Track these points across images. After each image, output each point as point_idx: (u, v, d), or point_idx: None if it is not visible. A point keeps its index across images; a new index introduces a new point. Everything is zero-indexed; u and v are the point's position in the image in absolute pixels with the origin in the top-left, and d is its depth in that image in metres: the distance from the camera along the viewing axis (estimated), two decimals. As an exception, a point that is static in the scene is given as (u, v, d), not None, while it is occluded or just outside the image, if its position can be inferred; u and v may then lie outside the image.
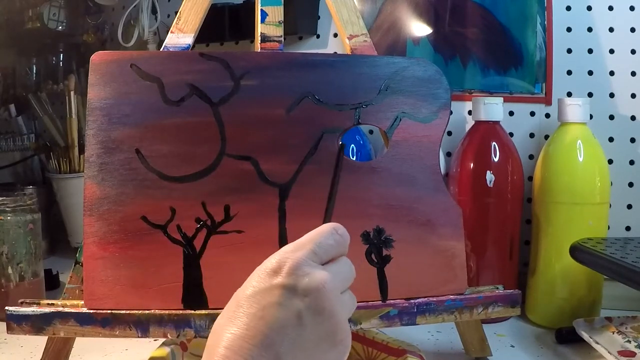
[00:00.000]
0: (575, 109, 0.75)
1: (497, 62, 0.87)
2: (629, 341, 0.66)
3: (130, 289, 0.54)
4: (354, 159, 0.83)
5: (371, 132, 0.91)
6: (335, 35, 0.95)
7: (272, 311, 0.35)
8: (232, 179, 0.57)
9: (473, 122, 0.80)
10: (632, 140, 0.83)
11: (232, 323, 0.35)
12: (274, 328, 0.34)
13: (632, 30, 0.83)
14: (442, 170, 0.73)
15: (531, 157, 0.86)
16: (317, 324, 0.35)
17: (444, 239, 0.60)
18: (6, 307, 0.54)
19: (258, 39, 0.61)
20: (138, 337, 0.54)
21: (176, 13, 0.65)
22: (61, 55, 1.25)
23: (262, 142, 0.58)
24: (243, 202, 0.56)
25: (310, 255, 0.37)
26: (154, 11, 1.06)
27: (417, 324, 0.58)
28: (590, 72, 0.84)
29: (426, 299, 0.58)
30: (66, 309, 0.54)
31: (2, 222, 0.76)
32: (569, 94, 0.85)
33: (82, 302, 0.55)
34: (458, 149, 0.81)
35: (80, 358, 0.66)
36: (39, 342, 0.62)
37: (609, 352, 0.62)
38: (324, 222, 0.42)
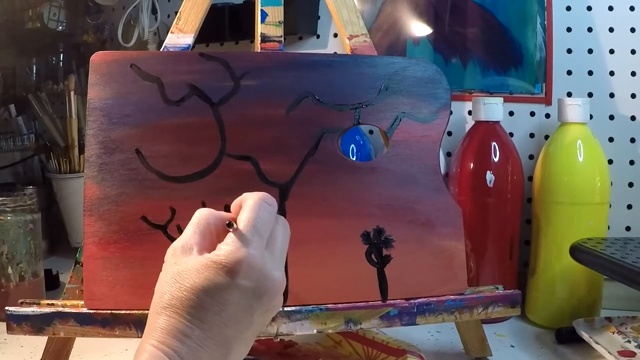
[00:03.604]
0: (575, 109, 0.75)
1: (497, 62, 0.87)
2: (629, 341, 0.66)
3: (130, 289, 0.54)
4: (354, 159, 0.83)
5: (371, 132, 0.91)
6: (335, 35, 0.95)
7: (232, 314, 0.38)
8: (232, 179, 0.57)
9: (473, 122, 0.80)
10: (632, 140, 0.83)
11: (194, 332, 0.37)
12: (234, 330, 0.38)
13: (632, 30, 0.83)
14: (442, 170, 0.73)
15: (531, 157, 0.86)
16: (266, 310, 0.40)
17: (444, 239, 0.60)
18: (6, 307, 0.54)
19: (258, 39, 0.61)
20: (138, 337, 0.54)
21: (176, 13, 0.65)
22: (61, 55, 1.25)
23: (262, 142, 0.58)
24: (243, 202, 0.56)
25: (255, 248, 0.40)
26: (154, 11, 1.06)
27: (417, 324, 0.58)
28: (590, 72, 0.84)
29: (426, 299, 0.58)
30: (66, 309, 0.54)
31: (2, 222, 0.76)
32: (569, 94, 0.85)
33: (82, 302, 0.55)
34: (458, 149, 0.81)
35: (80, 358, 0.66)
36: (39, 342, 0.62)
37: (609, 352, 0.62)
38: None
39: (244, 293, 0.38)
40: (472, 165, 0.78)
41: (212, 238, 0.42)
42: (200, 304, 0.37)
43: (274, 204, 0.43)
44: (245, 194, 0.44)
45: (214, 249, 0.40)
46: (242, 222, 0.40)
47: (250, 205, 0.42)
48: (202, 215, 0.43)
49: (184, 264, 0.39)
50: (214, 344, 0.37)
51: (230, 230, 0.40)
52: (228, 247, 0.39)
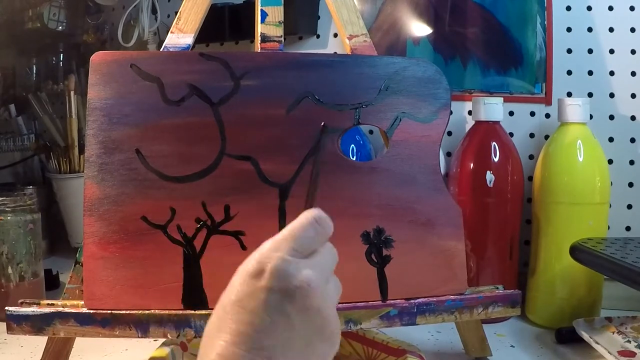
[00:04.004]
0: (575, 109, 0.75)
1: (497, 62, 0.87)
2: (629, 341, 0.66)
3: (130, 289, 0.54)
4: (354, 159, 0.83)
5: (371, 132, 0.91)
6: (335, 35, 0.95)
7: (259, 315, 0.34)
8: (232, 179, 0.57)
9: (473, 122, 0.80)
10: (632, 140, 0.83)
11: (221, 331, 0.35)
12: (263, 331, 0.34)
13: (632, 30, 0.83)
14: (442, 170, 0.73)
15: (531, 157, 0.86)
16: (305, 322, 0.35)
17: (444, 239, 0.60)
18: (6, 307, 0.54)
19: (258, 39, 0.61)
20: (138, 337, 0.54)
21: (176, 13, 0.65)
22: (61, 55, 1.25)
23: (262, 142, 0.58)
24: (243, 202, 0.56)
25: (291, 253, 0.36)
26: (154, 11, 1.06)
27: (417, 324, 0.58)
28: (590, 72, 0.84)
29: (426, 299, 0.58)
30: (66, 309, 0.54)
31: (2, 222, 0.76)
32: (569, 94, 0.85)
33: (82, 302, 0.55)
34: (458, 149, 0.81)
35: (80, 358, 0.66)
36: (39, 342, 0.62)
37: (609, 352, 0.62)
38: (306, 207, 0.41)
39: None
40: (472, 165, 0.78)
41: None
42: None
43: (326, 222, 0.40)
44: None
45: None
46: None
47: (297, 219, 0.39)
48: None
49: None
50: None
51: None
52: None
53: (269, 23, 0.62)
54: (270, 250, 0.36)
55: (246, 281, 0.36)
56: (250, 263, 0.36)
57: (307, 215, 0.39)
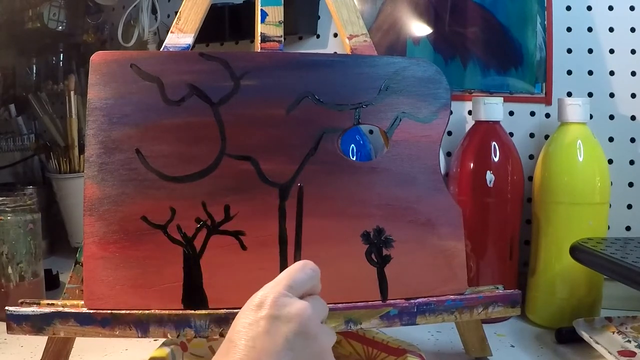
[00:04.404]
0: (575, 108, 0.75)
1: (497, 62, 0.87)
2: (629, 341, 0.66)
3: (130, 289, 0.54)
4: (354, 159, 0.83)
5: (371, 132, 0.91)
6: (335, 35, 0.95)
7: (261, 340, 0.39)
8: (232, 179, 0.57)
9: (473, 122, 0.80)
10: (632, 140, 0.83)
11: (228, 358, 0.39)
12: (266, 354, 0.38)
13: (632, 30, 0.83)
14: (442, 170, 0.73)
15: (531, 157, 0.86)
16: (305, 347, 0.40)
17: (444, 239, 0.60)
18: (6, 307, 0.54)
19: (258, 39, 0.61)
20: (138, 337, 0.54)
21: (176, 13, 0.65)
22: (61, 55, 1.25)
23: (262, 142, 0.58)
24: (243, 202, 0.56)
25: (287, 288, 0.42)
26: (154, 11, 1.06)
27: (417, 324, 0.58)
28: (590, 72, 0.84)
29: (426, 299, 0.58)
30: (66, 309, 0.54)
31: (2, 222, 0.76)
32: (569, 94, 0.85)
33: (82, 302, 0.55)
34: (458, 149, 0.81)
35: (80, 358, 0.66)
36: (39, 342, 0.62)
37: (609, 352, 0.62)
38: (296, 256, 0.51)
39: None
40: (472, 165, 0.78)
41: None
42: None
43: (316, 269, 0.45)
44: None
45: None
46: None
47: (290, 267, 0.45)
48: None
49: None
50: None
51: None
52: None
53: (269, 23, 0.62)
54: (269, 287, 0.42)
55: (250, 313, 0.41)
56: (253, 298, 0.42)
57: (299, 263, 0.45)
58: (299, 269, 0.44)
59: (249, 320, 0.40)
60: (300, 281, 0.43)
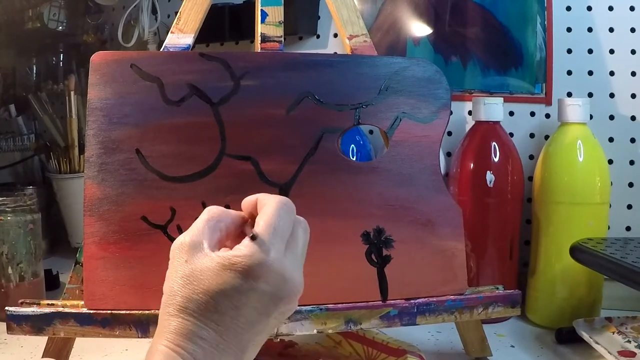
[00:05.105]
0: (575, 109, 0.75)
1: (497, 62, 0.87)
2: (629, 341, 0.66)
3: (130, 289, 0.54)
4: (354, 159, 0.83)
5: (371, 132, 0.91)
6: (335, 35, 0.95)
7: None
8: (232, 179, 0.57)
9: (473, 122, 0.80)
10: (632, 140, 0.83)
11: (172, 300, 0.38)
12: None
13: (632, 30, 0.83)
14: (442, 170, 0.73)
15: (531, 157, 0.86)
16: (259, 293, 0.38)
17: (444, 239, 0.60)
18: (6, 308, 0.54)
19: (258, 39, 0.61)
20: (138, 337, 0.54)
21: (176, 13, 0.65)
22: (61, 55, 1.25)
23: (262, 142, 0.58)
24: (243, 202, 0.56)
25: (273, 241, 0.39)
26: (154, 11, 1.06)
27: (417, 324, 0.58)
28: (590, 72, 0.84)
29: (426, 299, 0.58)
30: (66, 309, 0.54)
31: (2, 222, 0.76)
32: (569, 94, 0.85)
33: (82, 302, 0.55)
34: (458, 149, 0.81)
35: (80, 358, 0.66)
36: (39, 342, 0.62)
37: (609, 352, 0.62)
38: None
39: (262, 297, 0.37)
40: (472, 165, 0.78)
41: (220, 236, 0.41)
42: (216, 307, 0.36)
43: (293, 207, 0.42)
44: (261, 195, 0.43)
45: (221, 247, 0.40)
46: (262, 225, 0.39)
47: (270, 208, 0.40)
48: (213, 213, 0.41)
49: (196, 263, 0.38)
50: (229, 347, 0.37)
51: (254, 242, 0.38)
52: (247, 249, 0.38)
53: (269, 23, 0.62)
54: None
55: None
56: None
57: (275, 203, 0.41)
58: (280, 213, 0.40)
59: (234, 285, 0.37)
60: (285, 228, 0.40)
